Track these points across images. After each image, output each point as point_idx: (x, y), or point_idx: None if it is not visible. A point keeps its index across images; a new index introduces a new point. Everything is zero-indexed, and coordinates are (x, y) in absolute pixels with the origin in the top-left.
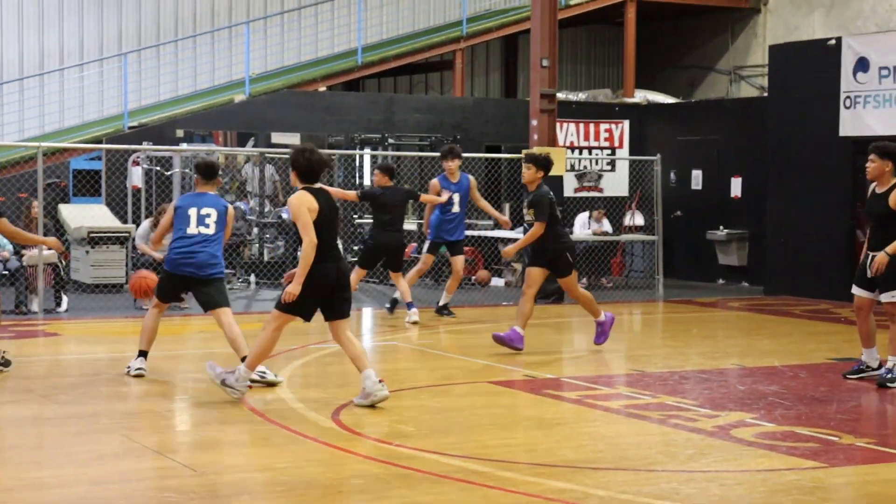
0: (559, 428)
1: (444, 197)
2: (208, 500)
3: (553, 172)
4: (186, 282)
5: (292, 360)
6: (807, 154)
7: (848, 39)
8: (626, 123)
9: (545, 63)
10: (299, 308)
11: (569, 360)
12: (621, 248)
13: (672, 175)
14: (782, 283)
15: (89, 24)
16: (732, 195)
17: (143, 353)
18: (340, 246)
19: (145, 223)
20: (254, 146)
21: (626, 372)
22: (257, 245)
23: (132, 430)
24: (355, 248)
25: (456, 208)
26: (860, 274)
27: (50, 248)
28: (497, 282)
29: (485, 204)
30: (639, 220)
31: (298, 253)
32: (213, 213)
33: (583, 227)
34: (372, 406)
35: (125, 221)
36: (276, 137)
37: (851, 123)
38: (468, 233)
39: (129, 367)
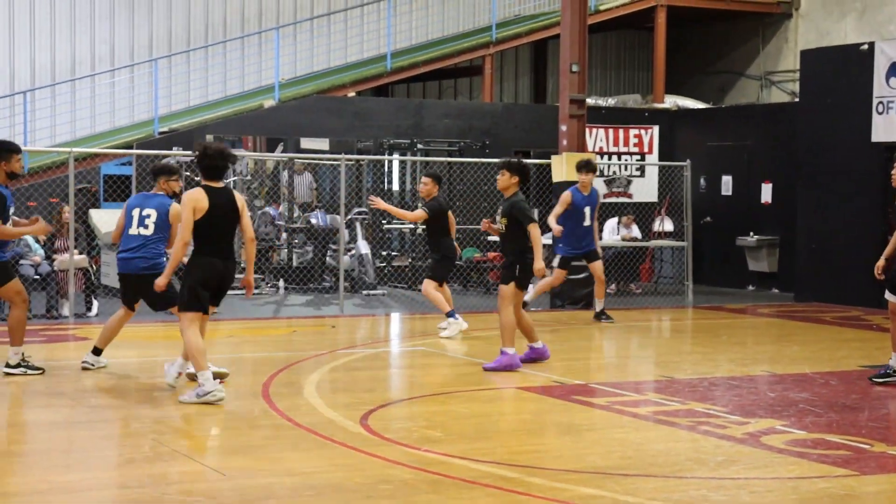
0: (588, 434)
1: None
2: None
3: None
4: (132, 281)
5: (321, 365)
6: (838, 159)
7: (881, 44)
8: (656, 129)
9: (575, 68)
10: (197, 302)
11: (597, 366)
12: (650, 254)
13: (702, 181)
14: (813, 290)
15: (120, 31)
16: (763, 201)
17: (97, 350)
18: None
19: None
20: (283, 152)
21: (655, 378)
22: (286, 250)
23: (162, 434)
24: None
25: (587, 221)
26: (894, 279)
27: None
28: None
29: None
30: (668, 225)
31: (327, 258)
32: (154, 213)
33: (612, 233)
34: (208, 404)
35: None
36: (306, 143)
37: (884, 129)
38: (493, 238)
39: (84, 361)
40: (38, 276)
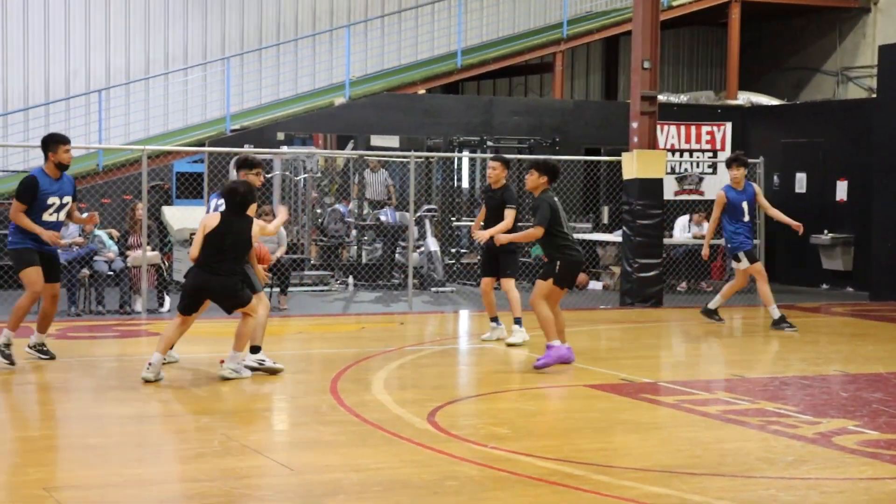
0: (656, 432)
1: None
2: (304, 498)
3: (652, 175)
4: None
5: (389, 362)
6: None
7: None
8: (729, 126)
9: (647, 65)
10: (181, 304)
11: (666, 364)
12: (722, 252)
13: (775, 178)
14: (889, 289)
15: (193, 30)
16: (837, 198)
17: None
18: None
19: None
20: (353, 149)
21: (725, 377)
22: (356, 247)
23: (231, 429)
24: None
25: (746, 217)
26: None
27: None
28: (595, 285)
29: (775, 212)
30: None
31: (397, 255)
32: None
33: (683, 231)
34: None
35: None
36: (376, 140)
37: None
38: None
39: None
40: (111, 273)
